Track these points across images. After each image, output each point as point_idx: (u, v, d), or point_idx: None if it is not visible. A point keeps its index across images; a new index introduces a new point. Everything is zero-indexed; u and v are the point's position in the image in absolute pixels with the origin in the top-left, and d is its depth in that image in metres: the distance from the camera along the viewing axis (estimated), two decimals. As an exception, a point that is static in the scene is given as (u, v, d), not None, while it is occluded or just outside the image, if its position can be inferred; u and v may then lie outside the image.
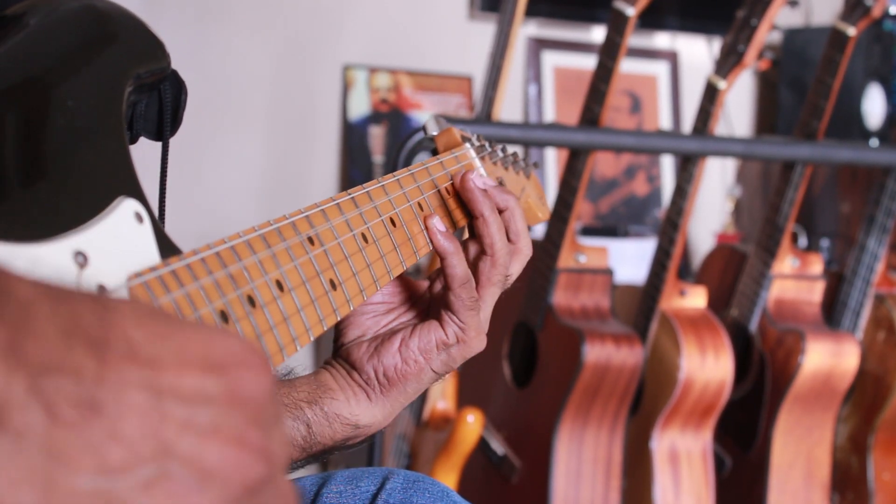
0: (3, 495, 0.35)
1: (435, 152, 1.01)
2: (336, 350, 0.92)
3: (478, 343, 0.89)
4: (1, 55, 0.62)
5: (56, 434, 0.36)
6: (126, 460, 0.37)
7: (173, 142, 0.76)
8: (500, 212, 0.92)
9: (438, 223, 0.88)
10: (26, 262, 0.52)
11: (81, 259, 0.55)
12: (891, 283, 2.56)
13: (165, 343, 0.40)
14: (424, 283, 0.94)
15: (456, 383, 2.34)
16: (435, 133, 1.01)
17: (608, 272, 2.23)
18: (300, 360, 2.66)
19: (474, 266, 0.90)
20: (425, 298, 0.93)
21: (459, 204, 0.94)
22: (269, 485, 0.42)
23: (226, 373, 0.41)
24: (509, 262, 0.91)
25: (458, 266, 0.87)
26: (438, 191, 0.92)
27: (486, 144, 1.04)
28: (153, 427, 0.38)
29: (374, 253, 0.81)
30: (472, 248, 0.92)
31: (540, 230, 2.32)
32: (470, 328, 0.88)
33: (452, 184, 0.94)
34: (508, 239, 0.92)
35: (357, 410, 0.88)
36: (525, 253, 0.93)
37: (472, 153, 1.00)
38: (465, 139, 1.01)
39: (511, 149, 1.10)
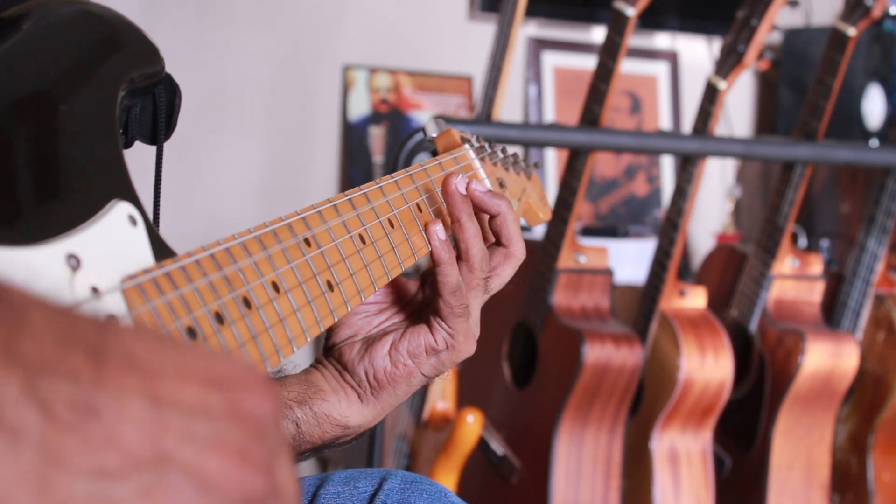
0: (0, 493, 0.35)
1: (435, 154, 1.00)
2: (327, 350, 0.91)
3: (467, 348, 0.89)
4: (-5, 59, 0.62)
5: (52, 435, 0.36)
6: (123, 466, 0.37)
7: (172, 142, 0.75)
8: (492, 217, 0.91)
9: (440, 231, 0.87)
10: (19, 266, 0.52)
11: (74, 262, 0.55)
12: (891, 283, 2.56)
13: (166, 357, 0.39)
14: (416, 284, 0.93)
15: (456, 383, 2.34)
16: (434, 135, 1.01)
17: (608, 272, 2.23)
18: (299, 361, 2.66)
19: None
20: (417, 299, 0.93)
21: None
22: (270, 502, 0.41)
23: (228, 390, 0.40)
24: (486, 267, 0.89)
25: (450, 274, 0.86)
26: (436, 192, 0.92)
27: (486, 146, 1.04)
28: (152, 435, 0.38)
29: (371, 254, 0.81)
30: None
31: (540, 230, 2.32)
32: (458, 334, 0.88)
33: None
34: (500, 243, 0.92)
35: (347, 412, 0.88)
36: (518, 257, 0.92)
37: (472, 154, 1.00)
38: (465, 140, 1.01)
39: (511, 150, 1.10)
